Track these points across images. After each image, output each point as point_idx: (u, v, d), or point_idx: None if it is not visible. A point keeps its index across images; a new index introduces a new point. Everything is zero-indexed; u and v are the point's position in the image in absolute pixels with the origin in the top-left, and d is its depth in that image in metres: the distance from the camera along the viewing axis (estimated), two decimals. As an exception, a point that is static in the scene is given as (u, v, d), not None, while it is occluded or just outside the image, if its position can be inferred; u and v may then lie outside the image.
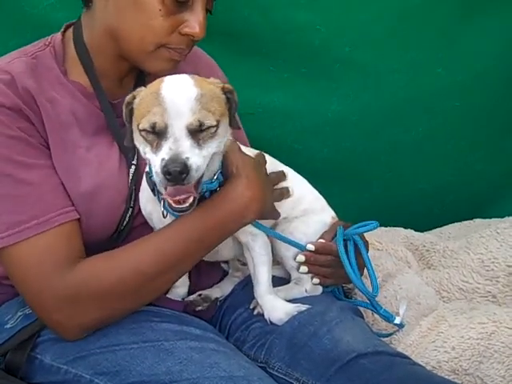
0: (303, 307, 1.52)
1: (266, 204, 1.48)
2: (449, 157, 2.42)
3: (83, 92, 1.51)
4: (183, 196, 1.29)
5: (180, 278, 1.52)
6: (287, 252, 1.61)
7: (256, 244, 1.52)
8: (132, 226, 1.52)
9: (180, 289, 1.63)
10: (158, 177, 1.26)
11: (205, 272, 1.69)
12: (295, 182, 1.66)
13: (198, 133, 1.27)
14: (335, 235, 1.59)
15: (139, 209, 1.51)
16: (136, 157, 1.50)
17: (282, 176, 1.60)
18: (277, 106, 2.24)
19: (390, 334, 1.67)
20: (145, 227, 1.51)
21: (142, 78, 1.57)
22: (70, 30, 1.56)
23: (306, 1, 2.14)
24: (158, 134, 1.27)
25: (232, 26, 2.06)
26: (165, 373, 1.33)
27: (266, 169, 1.52)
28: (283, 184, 1.59)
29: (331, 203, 1.72)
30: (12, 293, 1.54)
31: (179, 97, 1.28)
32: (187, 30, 1.45)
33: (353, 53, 2.21)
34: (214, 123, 1.29)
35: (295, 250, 1.60)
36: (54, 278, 1.37)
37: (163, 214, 1.41)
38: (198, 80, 1.34)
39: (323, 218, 1.65)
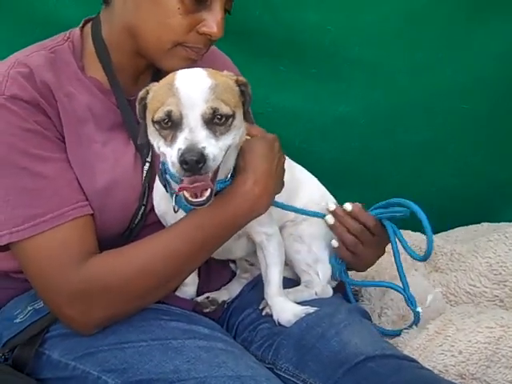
0: (311, 309, 1.52)
1: (276, 188, 1.46)
2: (457, 159, 2.42)
3: (100, 88, 1.51)
4: (200, 184, 1.27)
5: (190, 274, 1.51)
6: (297, 255, 1.61)
7: (270, 244, 1.52)
8: (144, 224, 1.52)
9: (189, 287, 1.63)
10: (174, 167, 1.25)
11: (214, 271, 1.69)
12: (305, 179, 1.67)
13: (214, 125, 1.27)
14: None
15: (152, 207, 1.51)
16: (150, 154, 1.50)
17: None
18: (286, 106, 2.24)
19: (398, 332, 1.67)
20: (157, 225, 1.51)
21: (159, 75, 1.57)
22: (89, 25, 1.56)
23: (316, 2, 2.14)
24: (172, 125, 1.27)
25: (243, 25, 2.06)
26: (173, 371, 1.33)
27: (277, 148, 1.48)
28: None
29: (338, 203, 1.72)
30: (22, 288, 1.54)
31: (193, 87, 1.28)
32: (205, 30, 1.45)
33: (362, 53, 2.21)
34: (230, 113, 1.29)
35: (306, 253, 1.60)
36: (68, 272, 1.37)
37: (174, 209, 1.41)
38: (212, 72, 1.34)
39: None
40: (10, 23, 2.03)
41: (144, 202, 1.50)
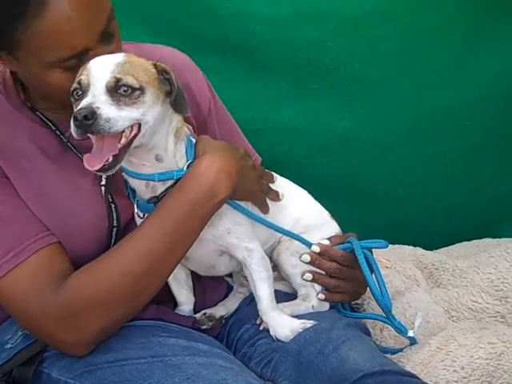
0: (309, 323, 1.51)
1: (241, 184, 1.45)
2: (457, 176, 2.42)
3: (39, 121, 1.50)
4: (98, 161, 1.30)
5: (171, 272, 1.48)
6: (293, 269, 1.60)
7: (253, 260, 1.51)
8: None
9: (185, 306, 1.63)
10: (71, 128, 1.28)
11: (209, 288, 1.69)
12: (294, 195, 1.66)
13: (118, 95, 1.30)
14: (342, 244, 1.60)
15: (126, 225, 1.52)
16: (105, 177, 1.48)
17: (271, 177, 1.60)
18: (287, 122, 2.25)
19: (399, 350, 1.66)
20: None
21: None
22: None
23: (317, 18, 2.15)
24: (82, 95, 1.31)
25: (244, 42, 2.08)
26: (172, 388, 1.32)
27: (243, 152, 1.51)
28: (272, 187, 1.59)
29: (338, 220, 1.72)
30: None
31: (103, 62, 1.33)
32: None
33: (363, 70, 2.22)
34: (136, 85, 1.31)
35: (301, 267, 1.59)
36: (46, 300, 1.37)
37: (137, 214, 1.44)
38: (129, 54, 1.38)
39: (327, 234, 1.64)
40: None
41: (115, 224, 1.50)
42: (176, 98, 1.38)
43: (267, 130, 2.16)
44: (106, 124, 1.27)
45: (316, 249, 1.58)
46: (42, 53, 1.33)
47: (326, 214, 1.70)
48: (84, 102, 1.28)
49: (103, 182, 1.49)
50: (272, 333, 1.51)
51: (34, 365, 1.44)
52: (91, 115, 1.25)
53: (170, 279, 1.57)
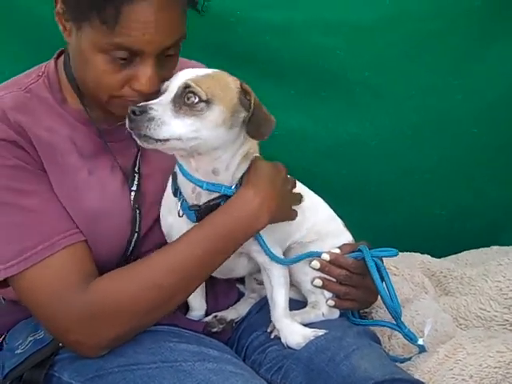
0: (320, 332, 1.52)
1: (279, 210, 1.47)
2: (465, 183, 2.41)
3: (79, 119, 1.52)
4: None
5: (196, 288, 1.50)
6: (305, 276, 1.61)
7: (273, 265, 1.52)
8: (139, 251, 1.53)
9: (197, 312, 1.64)
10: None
11: (221, 293, 1.70)
12: (310, 202, 1.67)
13: (183, 103, 1.30)
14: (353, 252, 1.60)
15: (146, 233, 1.53)
16: (137, 182, 1.52)
17: (293, 183, 1.60)
18: (295, 129, 2.25)
19: (408, 359, 1.66)
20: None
21: None
22: (62, 57, 1.56)
23: (326, 26, 2.16)
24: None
25: (253, 49, 2.09)
26: (183, 394, 1.33)
27: (284, 174, 1.52)
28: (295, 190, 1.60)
29: (347, 226, 1.73)
30: (29, 312, 1.52)
31: (190, 71, 1.35)
32: (135, 87, 1.42)
33: (371, 77, 2.22)
34: (203, 97, 1.30)
35: (312, 273, 1.60)
36: (68, 298, 1.38)
37: (179, 213, 1.44)
38: (216, 70, 1.39)
39: (339, 242, 1.65)
40: (21, 42, 2.08)
41: (136, 230, 1.51)
42: (252, 122, 1.37)
43: (276, 137, 2.12)
44: (152, 125, 1.27)
45: (326, 257, 1.58)
46: (106, 34, 1.34)
47: (339, 222, 1.71)
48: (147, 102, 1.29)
49: (134, 188, 1.51)
50: (283, 340, 1.52)
51: (45, 368, 1.45)
52: (139, 112, 1.26)
53: None
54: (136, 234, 1.51)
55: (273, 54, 2.14)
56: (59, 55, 1.57)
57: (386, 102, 2.27)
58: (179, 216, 1.45)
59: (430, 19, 2.18)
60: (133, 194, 1.52)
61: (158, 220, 1.55)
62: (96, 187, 1.49)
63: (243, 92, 1.37)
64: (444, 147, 2.36)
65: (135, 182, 1.52)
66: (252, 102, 1.36)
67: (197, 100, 1.29)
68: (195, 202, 1.44)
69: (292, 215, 1.55)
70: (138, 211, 1.51)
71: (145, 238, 1.54)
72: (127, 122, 1.29)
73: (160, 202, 1.54)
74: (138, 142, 1.32)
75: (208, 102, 1.30)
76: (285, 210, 1.52)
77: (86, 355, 1.42)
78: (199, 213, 1.43)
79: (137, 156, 1.54)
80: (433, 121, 2.31)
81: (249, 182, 1.43)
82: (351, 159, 2.33)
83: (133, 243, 1.51)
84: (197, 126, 1.31)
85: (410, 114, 2.28)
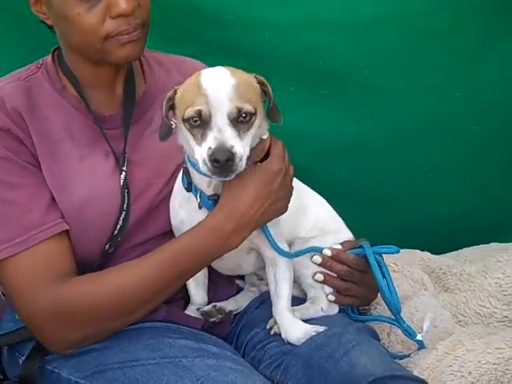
0: (321, 328, 1.52)
1: (265, 217, 1.46)
2: (465, 181, 2.41)
3: (77, 106, 1.56)
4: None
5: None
6: (305, 270, 1.62)
7: (281, 259, 1.54)
8: (129, 246, 1.55)
9: (198, 305, 1.65)
10: (205, 166, 1.31)
11: (220, 288, 1.71)
12: (313, 201, 1.68)
13: (238, 123, 1.32)
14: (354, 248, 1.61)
15: (135, 219, 1.54)
16: (125, 163, 1.53)
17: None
18: (295, 127, 2.24)
19: (407, 356, 1.66)
20: (141, 247, 1.55)
21: (132, 91, 1.60)
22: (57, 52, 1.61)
23: (326, 24, 2.15)
24: (201, 124, 1.32)
25: (253, 47, 2.09)
26: (182, 390, 1.34)
27: (281, 178, 1.48)
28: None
29: (347, 224, 1.74)
30: None
31: (219, 87, 1.33)
32: (114, 12, 1.43)
33: (372, 75, 2.22)
34: (253, 111, 1.34)
35: (313, 268, 1.61)
36: (39, 292, 1.42)
37: (199, 205, 1.46)
38: (233, 70, 1.39)
39: (340, 239, 1.66)
40: (18, 39, 2.09)
41: (124, 208, 1.52)
42: (272, 108, 1.42)
43: (276, 136, 2.16)
44: (240, 162, 1.31)
45: (327, 252, 1.59)
46: None
47: (340, 221, 1.73)
48: (216, 141, 1.30)
49: (123, 176, 1.53)
50: (284, 335, 1.52)
51: (37, 361, 1.48)
52: (231, 157, 1.29)
53: (190, 279, 1.58)
54: (124, 213, 1.52)
55: (272, 52, 2.14)
56: (55, 51, 1.61)
57: (386, 101, 2.27)
58: (199, 208, 1.47)
59: (431, 17, 2.17)
60: (123, 173, 1.53)
61: (146, 212, 1.56)
62: (86, 173, 1.51)
63: (260, 84, 1.41)
64: (444, 145, 2.36)
65: (125, 163, 1.54)
66: (269, 89, 1.41)
67: (248, 117, 1.34)
68: (212, 192, 1.46)
69: (285, 210, 1.54)
70: (126, 191, 1.52)
71: (135, 231, 1.55)
72: (213, 169, 1.30)
73: (151, 190, 1.56)
74: (220, 179, 1.36)
75: (255, 112, 1.36)
76: (276, 210, 1.50)
77: (54, 351, 1.46)
78: None
79: (126, 141, 1.56)
80: (433, 119, 2.31)
81: (223, 205, 1.43)
82: (352, 158, 2.33)
83: (120, 222, 1.51)
84: (254, 133, 1.37)
85: (410, 112, 2.28)
